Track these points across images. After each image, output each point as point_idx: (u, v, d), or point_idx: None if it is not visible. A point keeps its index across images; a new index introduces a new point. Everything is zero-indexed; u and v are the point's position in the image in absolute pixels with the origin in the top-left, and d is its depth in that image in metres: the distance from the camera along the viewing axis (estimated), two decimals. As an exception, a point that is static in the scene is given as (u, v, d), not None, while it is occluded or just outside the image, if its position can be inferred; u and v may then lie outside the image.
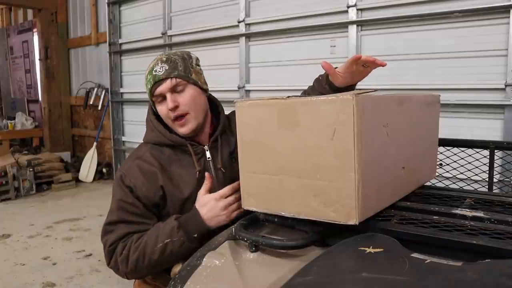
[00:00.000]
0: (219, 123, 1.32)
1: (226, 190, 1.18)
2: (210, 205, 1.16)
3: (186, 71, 1.22)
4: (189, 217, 1.18)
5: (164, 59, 1.22)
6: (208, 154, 1.28)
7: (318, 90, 1.28)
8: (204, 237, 1.15)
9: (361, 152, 0.78)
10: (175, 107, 1.20)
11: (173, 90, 1.21)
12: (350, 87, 1.24)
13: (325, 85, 1.25)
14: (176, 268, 1.25)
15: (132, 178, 1.22)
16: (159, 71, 1.20)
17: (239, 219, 1.05)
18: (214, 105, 1.36)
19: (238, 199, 1.16)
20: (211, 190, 1.20)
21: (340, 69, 1.20)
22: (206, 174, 1.22)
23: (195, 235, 1.15)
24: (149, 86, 1.22)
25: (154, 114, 1.30)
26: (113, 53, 4.90)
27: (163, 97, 1.22)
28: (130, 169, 1.25)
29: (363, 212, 0.81)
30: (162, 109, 1.23)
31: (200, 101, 1.26)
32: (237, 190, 1.17)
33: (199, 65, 1.30)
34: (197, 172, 1.24)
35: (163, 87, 1.20)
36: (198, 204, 1.19)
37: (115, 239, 1.20)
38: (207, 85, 1.31)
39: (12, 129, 5.80)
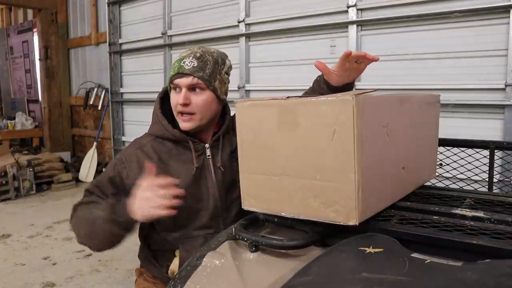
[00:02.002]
0: (224, 123, 1.33)
1: (153, 182, 1.08)
2: (137, 195, 1.09)
3: (211, 76, 1.23)
4: (124, 201, 1.13)
5: (198, 55, 1.23)
6: (208, 152, 1.29)
7: (318, 91, 1.28)
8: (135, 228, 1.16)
9: (361, 153, 0.78)
10: (185, 104, 1.22)
11: (191, 88, 1.22)
12: (348, 85, 1.24)
13: (322, 85, 1.25)
14: (174, 267, 1.26)
15: (127, 165, 1.26)
16: (186, 65, 1.21)
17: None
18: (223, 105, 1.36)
19: (166, 197, 1.07)
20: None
21: (334, 67, 1.20)
22: (148, 164, 1.12)
23: (121, 219, 1.11)
24: (171, 73, 1.24)
25: (160, 108, 1.32)
26: (113, 53, 4.90)
27: (179, 88, 1.23)
28: (130, 157, 1.28)
29: (363, 212, 0.81)
30: (174, 98, 1.25)
31: (212, 107, 1.26)
32: (166, 188, 1.07)
33: (228, 74, 1.30)
34: (194, 169, 1.25)
35: (182, 81, 1.21)
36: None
37: (81, 202, 1.26)
38: (226, 95, 1.32)
39: (12, 129, 5.79)
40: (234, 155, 1.31)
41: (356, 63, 1.15)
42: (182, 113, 1.24)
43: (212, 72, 1.23)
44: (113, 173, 1.26)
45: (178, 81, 1.22)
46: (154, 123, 1.32)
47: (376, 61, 1.13)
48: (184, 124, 1.24)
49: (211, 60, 1.24)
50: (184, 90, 1.22)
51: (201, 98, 1.23)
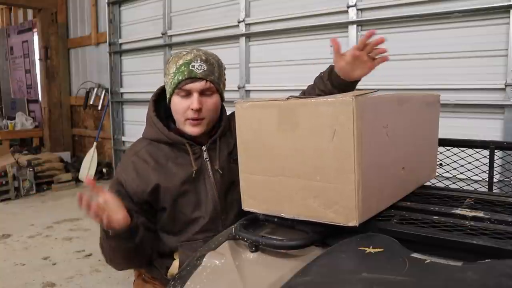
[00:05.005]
0: (221, 124, 1.32)
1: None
2: None
3: (219, 79, 1.25)
4: None
5: (204, 58, 1.22)
6: (205, 154, 1.28)
7: (319, 88, 1.28)
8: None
9: (360, 154, 0.78)
10: (200, 109, 1.21)
11: (203, 92, 1.21)
12: (350, 86, 1.23)
13: (326, 81, 1.25)
14: (173, 269, 1.26)
15: (125, 174, 1.26)
16: (197, 69, 1.19)
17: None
18: None
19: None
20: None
21: (347, 51, 1.20)
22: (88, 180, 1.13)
23: (109, 233, 1.11)
24: (180, 78, 1.20)
25: (154, 111, 1.30)
26: (113, 53, 4.90)
27: (189, 93, 1.21)
28: (126, 166, 1.28)
29: (363, 213, 0.81)
30: (181, 103, 1.22)
31: (218, 109, 1.28)
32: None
33: (225, 74, 1.32)
34: (194, 171, 1.25)
35: (196, 86, 1.20)
36: None
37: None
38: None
39: (12, 129, 5.80)
40: (232, 156, 1.30)
41: (368, 56, 1.16)
42: (192, 118, 1.22)
43: (219, 75, 1.24)
44: (117, 188, 1.25)
45: (190, 86, 1.20)
46: (148, 127, 1.31)
47: (386, 60, 1.15)
48: (194, 129, 1.23)
49: (215, 63, 1.24)
50: (196, 94, 1.20)
51: (211, 102, 1.23)
